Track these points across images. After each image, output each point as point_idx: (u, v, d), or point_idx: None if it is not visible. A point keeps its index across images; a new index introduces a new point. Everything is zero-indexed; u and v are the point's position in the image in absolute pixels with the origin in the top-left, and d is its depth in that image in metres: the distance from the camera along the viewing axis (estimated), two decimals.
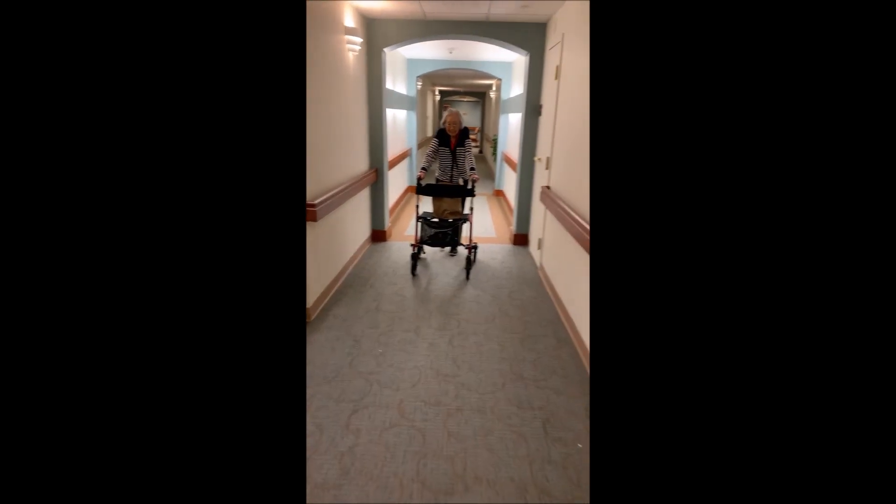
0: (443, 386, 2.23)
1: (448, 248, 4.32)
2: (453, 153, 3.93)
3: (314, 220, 2.74)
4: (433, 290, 3.42)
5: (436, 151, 3.94)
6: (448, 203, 3.90)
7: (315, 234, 2.89)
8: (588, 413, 2.04)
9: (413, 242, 3.77)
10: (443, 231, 3.63)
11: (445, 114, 3.90)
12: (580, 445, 1.85)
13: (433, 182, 3.94)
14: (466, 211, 3.93)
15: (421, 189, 3.71)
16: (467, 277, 3.66)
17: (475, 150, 16.17)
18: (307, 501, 1.23)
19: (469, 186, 3.66)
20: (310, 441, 1.82)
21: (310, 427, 1.90)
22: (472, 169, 3.81)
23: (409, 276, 3.68)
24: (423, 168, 3.84)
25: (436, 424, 1.95)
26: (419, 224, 3.73)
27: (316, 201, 2.77)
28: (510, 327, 2.87)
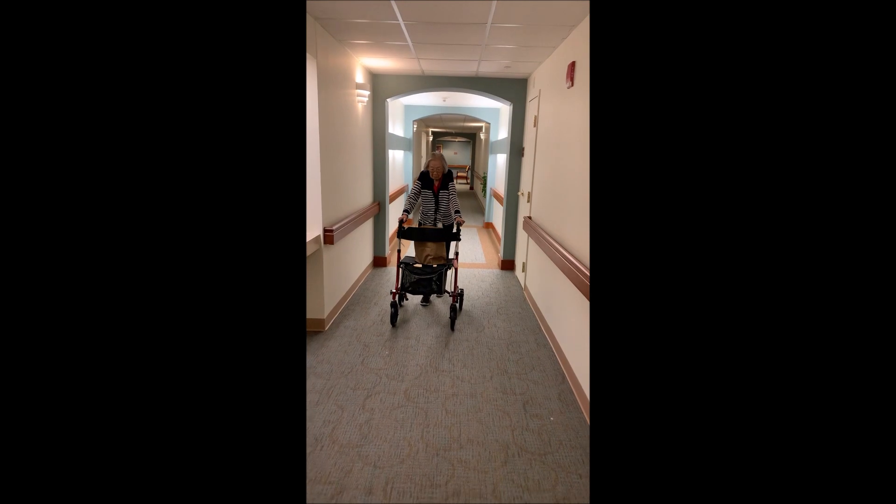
0: (441, 378, 2.67)
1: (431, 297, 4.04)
2: (436, 196, 3.76)
3: (331, 242, 3.24)
4: (431, 307, 3.88)
5: (417, 194, 3.78)
6: (432, 248, 3.61)
7: (330, 256, 3.38)
8: (560, 399, 2.48)
9: (393, 290, 3.48)
10: (426, 278, 3.36)
11: (429, 158, 3.76)
12: (552, 418, 2.29)
13: (416, 226, 3.70)
14: (451, 256, 3.70)
15: (403, 233, 3.46)
16: (452, 327, 3.38)
17: (465, 187, 16.89)
18: (308, 499, 1.50)
19: (455, 230, 3.47)
20: (332, 417, 2.24)
21: (332, 408, 2.33)
22: (457, 212, 3.62)
23: (408, 296, 3.99)
24: (406, 211, 3.57)
25: (436, 405, 2.39)
26: (400, 270, 3.45)
27: (333, 227, 3.27)
28: (497, 335, 3.33)
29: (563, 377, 2.72)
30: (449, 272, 3.60)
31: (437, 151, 3.87)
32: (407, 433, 2.14)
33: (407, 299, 3.99)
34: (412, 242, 3.75)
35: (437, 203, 3.79)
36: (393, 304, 3.41)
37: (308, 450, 1.99)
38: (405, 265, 3.47)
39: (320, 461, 1.92)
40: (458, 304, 3.55)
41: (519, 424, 2.24)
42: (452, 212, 3.68)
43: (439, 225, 3.78)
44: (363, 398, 2.43)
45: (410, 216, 3.65)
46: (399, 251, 3.70)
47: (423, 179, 3.79)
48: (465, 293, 4.04)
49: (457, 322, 3.51)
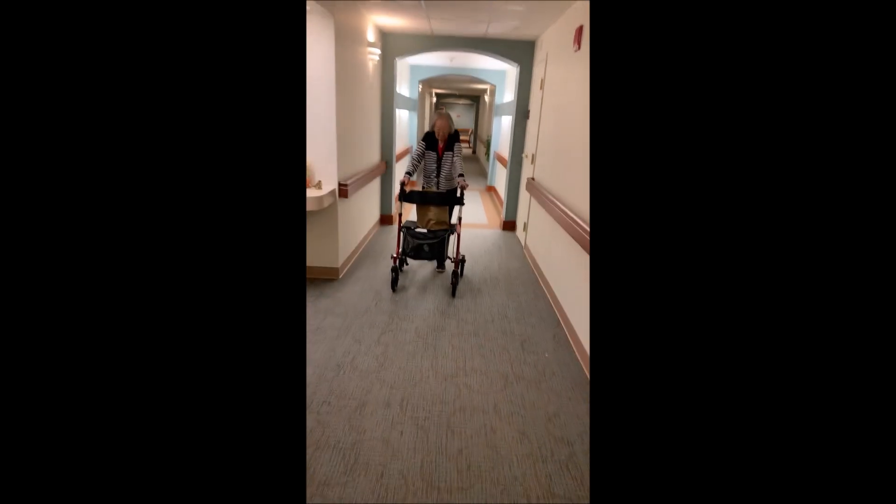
0: (447, 320, 2.94)
1: (434, 263, 3.94)
2: (440, 159, 3.59)
3: (345, 196, 3.43)
4: (431, 274, 4.13)
5: (421, 156, 3.59)
6: (434, 212, 3.49)
7: (344, 209, 3.58)
8: (555, 339, 2.76)
9: (394, 254, 3.41)
10: (428, 243, 3.26)
11: (434, 117, 3.58)
12: (546, 355, 2.58)
13: (418, 189, 3.63)
14: (454, 221, 3.56)
15: (405, 196, 3.35)
16: (453, 294, 3.32)
17: (467, 151, 16.83)
18: (334, 409, 1.67)
19: (458, 194, 3.37)
20: (352, 349, 2.52)
21: (350, 342, 2.60)
22: (460, 175, 3.48)
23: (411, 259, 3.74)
24: (408, 173, 3.44)
25: (443, 341, 2.66)
26: (401, 234, 3.36)
27: (347, 182, 3.46)
28: (498, 287, 3.59)
29: (559, 322, 2.99)
30: (451, 238, 3.48)
31: (442, 110, 3.68)
32: (418, 363, 2.42)
33: (408, 264, 3.87)
34: (414, 206, 3.61)
35: (440, 165, 3.60)
36: (393, 269, 3.32)
37: (331, 375, 2.27)
38: (406, 229, 3.36)
39: (343, 383, 2.20)
40: (459, 271, 3.46)
41: (517, 359, 2.52)
42: (456, 175, 3.52)
43: (442, 188, 3.61)
44: (378, 334, 2.70)
45: (413, 178, 3.53)
46: (400, 215, 3.57)
47: (428, 140, 3.58)
48: (467, 254, 4.18)
49: (460, 277, 3.65)
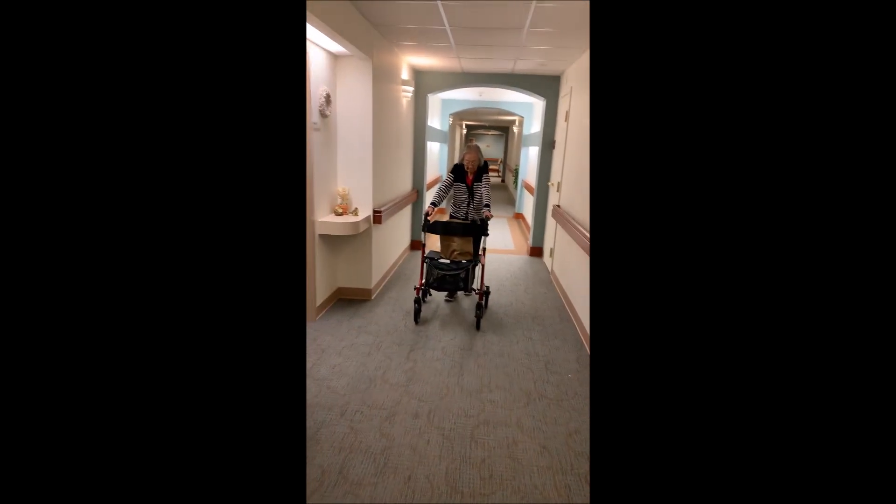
0: (473, 340, 3.06)
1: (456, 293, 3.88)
2: (470, 189, 3.61)
3: (379, 222, 3.67)
4: (456, 304, 4.28)
5: (449, 186, 3.62)
6: (458, 243, 3.46)
7: (378, 235, 3.81)
8: (578, 362, 2.83)
9: (417, 286, 3.35)
10: (452, 274, 3.22)
11: (464, 150, 3.63)
12: (570, 376, 2.65)
13: (445, 219, 3.63)
14: (479, 252, 3.52)
15: (429, 226, 3.33)
16: (478, 326, 3.23)
17: (496, 179, 17.11)
18: (364, 418, 1.74)
19: (482, 225, 3.38)
20: (382, 364, 2.67)
21: (381, 358, 2.75)
22: (486, 206, 3.51)
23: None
24: (433, 203, 3.43)
25: (469, 360, 2.78)
26: (425, 266, 3.31)
27: (381, 209, 3.70)
28: (524, 311, 3.69)
29: (583, 345, 3.06)
30: (476, 269, 3.43)
31: (472, 143, 3.75)
32: (445, 379, 2.55)
33: (431, 295, 3.80)
34: (438, 237, 3.57)
35: (471, 195, 3.63)
36: (417, 301, 3.27)
37: (363, 386, 2.43)
38: (430, 260, 3.31)
39: (374, 395, 2.35)
40: (483, 303, 3.36)
41: (540, 378, 2.61)
42: (483, 205, 3.55)
43: (471, 218, 3.62)
44: (407, 352, 2.85)
45: (440, 207, 3.53)
46: (423, 245, 3.56)
47: (457, 172, 3.62)
48: (494, 278, 4.30)
49: (485, 309, 3.50)
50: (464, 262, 3.38)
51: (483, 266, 3.43)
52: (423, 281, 3.33)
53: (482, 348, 2.95)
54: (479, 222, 3.50)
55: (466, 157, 3.60)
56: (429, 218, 3.37)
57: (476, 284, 3.46)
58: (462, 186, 3.65)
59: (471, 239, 3.51)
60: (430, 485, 1.75)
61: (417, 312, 3.29)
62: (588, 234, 3.01)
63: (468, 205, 3.65)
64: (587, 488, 1.77)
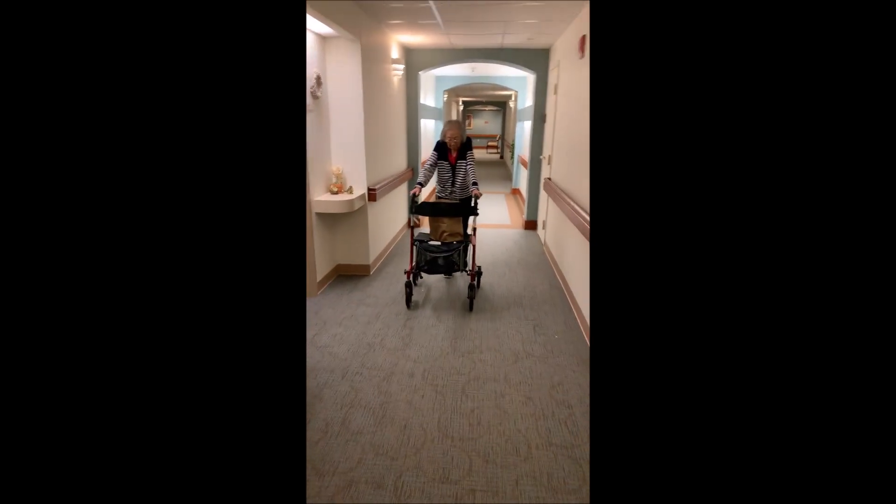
0: (465, 307, 3.23)
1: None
2: (453, 167, 3.50)
3: (374, 200, 3.80)
4: (449, 283, 4.43)
5: (434, 165, 3.50)
6: (448, 223, 3.38)
7: (374, 212, 3.95)
8: (566, 324, 3.00)
9: (407, 269, 3.30)
10: (442, 256, 3.17)
11: (445, 126, 3.49)
12: (556, 336, 2.82)
13: (432, 200, 3.54)
14: (469, 231, 3.44)
15: (416, 208, 3.24)
16: (470, 308, 3.20)
17: (494, 156, 17.06)
18: (364, 377, 1.87)
19: (472, 203, 3.30)
20: (381, 332, 2.85)
21: (380, 326, 2.93)
22: (474, 184, 3.43)
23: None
24: (419, 183, 3.33)
25: (462, 325, 2.96)
26: (414, 248, 3.26)
27: (376, 186, 3.83)
28: (516, 280, 3.85)
29: (570, 310, 3.23)
30: (468, 249, 3.36)
31: (453, 119, 3.60)
32: (440, 343, 2.73)
33: (422, 278, 3.76)
34: (427, 218, 3.40)
35: (454, 174, 3.51)
36: (407, 284, 3.21)
37: (363, 351, 2.61)
38: (419, 243, 3.25)
39: (373, 358, 2.53)
40: (476, 283, 3.29)
41: (529, 339, 2.78)
42: (470, 184, 3.47)
43: (457, 197, 3.53)
44: (404, 320, 3.03)
45: (429, 187, 3.43)
46: (412, 228, 3.42)
47: (440, 149, 3.49)
48: (489, 253, 4.42)
49: (477, 289, 3.44)
50: (454, 243, 3.30)
51: (474, 246, 3.34)
52: (414, 264, 3.27)
53: (475, 313, 3.13)
54: (468, 201, 3.44)
55: (447, 134, 3.46)
56: (416, 199, 3.26)
57: (468, 265, 3.39)
58: (446, 165, 3.52)
59: (460, 219, 3.43)
60: (423, 432, 1.94)
61: (409, 297, 3.23)
62: (576, 206, 3.13)
63: (452, 184, 3.53)
64: (565, 431, 1.95)
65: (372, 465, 1.75)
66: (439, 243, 3.30)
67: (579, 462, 1.77)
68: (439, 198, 3.60)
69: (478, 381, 2.33)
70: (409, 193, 5.54)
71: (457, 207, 3.34)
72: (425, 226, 3.68)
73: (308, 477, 1.69)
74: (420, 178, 3.42)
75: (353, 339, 2.76)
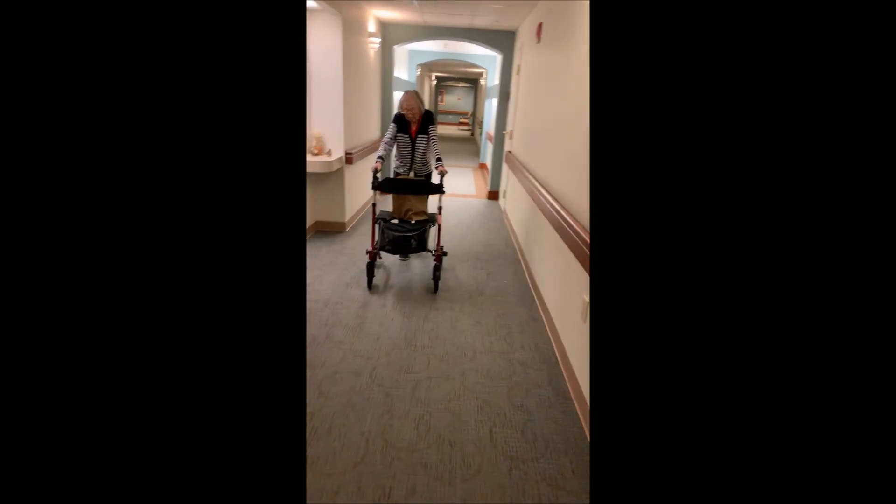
0: (429, 256, 3.73)
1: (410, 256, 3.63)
2: (413, 142, 3.24)
3: (350, 163, 4.19)
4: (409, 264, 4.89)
5: (393, 138, 3.22)
6: (412, 201, 3.22)
7: (350, 174, 4.34)
8: (514, 274, 3.54)
9: (369, 249, 3.06)
10: (406, 236, 2.98)
11: (401, 97, 3.21)
12: (505, 281, 3.36)
13: (391, 176, 3.35)
14: (433, 210, 3.24)
15: (378, 184, 3.01)
16: (435, 290, 3.08)
17: (466, 133, 17.37)
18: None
19: (438, 181, 3.05)
20: (356, 276, 3.30)
21: (355, 272, 3.38)
22: (438, 160, 3.21)
23: None
24: (380, 157, 3.01)
25: (426, 265, 3.45)
26: (377, 227, 3.04)
27: (352, 151, 4.22)
28: (476, 240, 4.37)
29: (519, 263, 3.78)
30: (432, 229, 3.16)
31: (409, 89, 3.33)
32: (407, 273, 3.22)
33: (381, 258, 3.51)
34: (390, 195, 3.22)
35: (414, 149, 3.26)
36: (369, 266, 3.02)
37: (342, 289, 3.06)
38: (383, 221, 3.05)
39: (351, 293, 2.99)
40: (440, 264, 3.11)
41: (482, 282, 3.32)
42: (432, 160, 3.26)
43: (419, 174, 3.32)
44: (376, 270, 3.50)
45: (384, 161, 3.09)
46: (374, 205, 3.10)
47: (399, 122, 3.22)
48: (455, 219, 4.87)
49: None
50: (418, 221, 3.16)
51: (440, 226, 3.15)
52: (376, 244, 3.06)
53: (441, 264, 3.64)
54: (431, 177, 3.31)
55: (404, 105, 3.17)
56: (377, 174, 3.01)
57: (433, 246, 3.18)
58: (405, 138, 3.25)
59: (426, 197, 3.26)
60: (392, 342, 2.44)
61: (371, 279, 3.05)
62: (528, 174, 3.63)
63: (412, 160, 3.29)
64: (502, 337, 2.50)
65: (351, 362, 2.25)
66: (403, 221, 3.17)
67: (510, 360, 2.32)
68: (398, 174, 3.36)
69: (438, 311, 2.84)
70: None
71: (423, 185, 3.17)
72: (388, 203, 3.53)
73: None
74: (380, 153, 3.10)
75: (334, 280, 3.20)
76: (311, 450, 1.69)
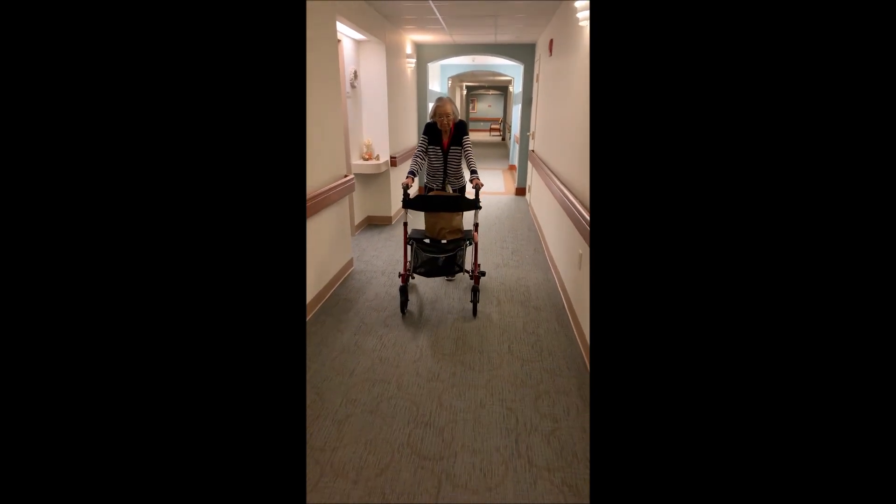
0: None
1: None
2: (445, 154, 3.00)
3: (395, 165, 4.98)
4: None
5: (425, 151, 2.99)
6: (446, 219, 2.86)
7: (395, 174, 5.12)
8: (535, 251, 4.17)
9: (402, 272, 2.86)
10: (441, 256, 2.73)
11: (434, 105, 2.95)
12: (527, 256, 4.01)
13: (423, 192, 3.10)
14: (469, 227, 3.00)
15: (408, 202, 2.73)
16: (474, 313, 2.85)
17: (496, 138, 17.90)
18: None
19: (474, 196, 2.73)
20: (400, 258, 4.04)
21: (400, 254, 4.12)
22: (473, 172, 2.87)
23: None
24: (411, 173, 2.80)
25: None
26: (410, 248, 2.82)
27: (395, 155, 5.00)
28: (503, 228, 5.04)
29: (540, 243, 4.41)
30: (469, 248, 2.91)
31: (443, 95, 3.12)
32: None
33: (413, 278, 3.26)
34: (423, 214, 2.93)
35: (446, 163, 3.02)
36: (402, 290, 2.79)
37: (392, 264, 3.79)
38: (416, 241, 2.80)
39: (398, 267, 3.73)
40: (478, 286, 2.86)
41: (505, 258, 3.99)
42: (468, 172, 2.95)
43: (449, 189, 3.07)
44: None
45: (415, 177, 2.86)
46: (405, 224, 2.88)
47: (430, 132, 2.98)
48: (484, 214, 5.41)
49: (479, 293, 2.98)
50: (451, 241, 2.83)
51: (476, 244, 2.89)
52: (410, 267, 2.82)
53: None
54: (464, 192, 3.10)
55: (437, 111, 2.91)
56: (408, 191, 2.73)
57: (469, 266, 2.96)
58: (437, 151, 3.00)
59: (461, 214, 2.91)
60: (425, 296, 3.15)
61: (404, 304, 2.83)
62: (547, 170, 4.26)
63: (445, 174, 3.04)
64: (520, 297, 3.14)
65: (385, 296, 3.02)
66: (438, 241, 2.84)
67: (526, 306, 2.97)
68: (429, 190, 3.13)
69: (459, 289, 3.53)
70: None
71: (457, 201, 2.79)
72: (419, 222, 3.31)
73: (347, 297, 2.93)
74: (411, 167, 2.88)
75: (386, 258, 3.97)
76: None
